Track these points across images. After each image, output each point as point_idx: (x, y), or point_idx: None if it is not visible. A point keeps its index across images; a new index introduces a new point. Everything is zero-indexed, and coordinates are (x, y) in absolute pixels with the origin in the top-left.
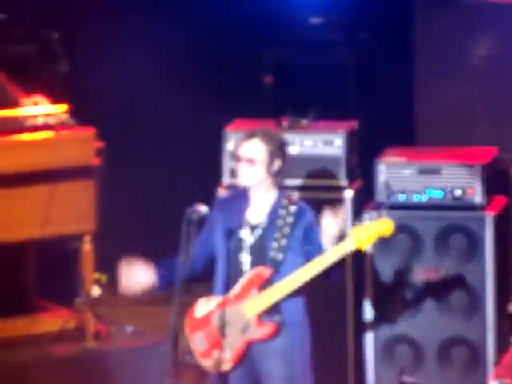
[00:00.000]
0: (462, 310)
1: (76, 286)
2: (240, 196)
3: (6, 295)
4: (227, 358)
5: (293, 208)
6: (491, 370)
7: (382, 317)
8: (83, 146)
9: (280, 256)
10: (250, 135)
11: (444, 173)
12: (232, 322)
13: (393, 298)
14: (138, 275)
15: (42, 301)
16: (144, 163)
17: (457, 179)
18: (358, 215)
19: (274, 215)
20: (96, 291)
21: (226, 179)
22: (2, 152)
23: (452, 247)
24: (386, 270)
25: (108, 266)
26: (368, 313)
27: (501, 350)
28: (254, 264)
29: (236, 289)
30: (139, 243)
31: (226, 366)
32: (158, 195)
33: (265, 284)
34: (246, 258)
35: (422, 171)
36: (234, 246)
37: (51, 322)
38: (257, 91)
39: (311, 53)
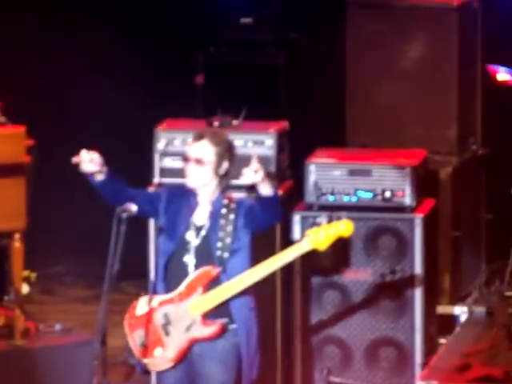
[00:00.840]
0: (390, 310)
1: (5, 284)
2: (186, 196)
3: None
4: (169, 357)
5: (233, 205)
6: (419, 371)
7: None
8: (13, 143)
9: (226, 255)
10: (199, 136)
11: (374, 174)
12: (176, 320)
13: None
14: (95, 159)
15: None
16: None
17: (387, 181)
18: (287, 216)
19: (216, 215)
20: (25, 289)
21: (156, 178)
22: None
23: (381, 248)
24: (317, 269)
25: (37, 263)
26: (297, 313)
27: (429, 352)
28: (198, 265)
29: (181, 288)
30: (71, 241)
31: (167, 365)
32: (89, 193)
33: (211, 284)
34: (190, 260)
35: (352, 172)
36: (179, 248)
37: None
38: (188, 91)
39: (242, 53)
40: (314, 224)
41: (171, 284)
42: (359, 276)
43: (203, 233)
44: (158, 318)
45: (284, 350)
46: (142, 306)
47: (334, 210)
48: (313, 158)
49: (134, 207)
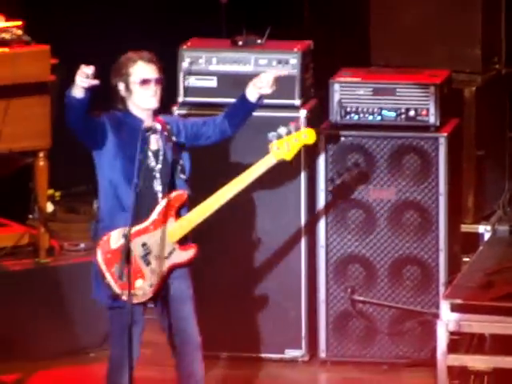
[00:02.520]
0: (414, 229)
1: (30, 202)
2: (128, 123)
3: None
4: (151, 286)
5: (168, 127)
6: (442, 289)
7: (335, 236)
8: (38, 62)
9: (184, 177)
10: (150, 59)
11: (398, 93)
12: (155, 249)
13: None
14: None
15: None
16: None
17: (411, 99)
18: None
19: (163, 138)
20: (49, 207)
21: (180, 97)
22: None
23: (405, 167)
24: (341, 188)
25: (61, 183)
26: (321, 231)
27: (452, 270)
28: (165, 190)
29: (153, 215)
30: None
31: (149, 295)
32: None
33: (182, 207)
34: (158, 187)
35: (376, 91)
36: (145, 176)
37: (4, 237)
38: (213, 10)
39: None
40: (276, 136)
41: (141, 212)
42: (383, 195)
43: (161, 157)
44: (136, 249)
45: (308, 268)
46: (115, 238)
47: (358, 129)
48: (337, 77)
49: (158, 125)
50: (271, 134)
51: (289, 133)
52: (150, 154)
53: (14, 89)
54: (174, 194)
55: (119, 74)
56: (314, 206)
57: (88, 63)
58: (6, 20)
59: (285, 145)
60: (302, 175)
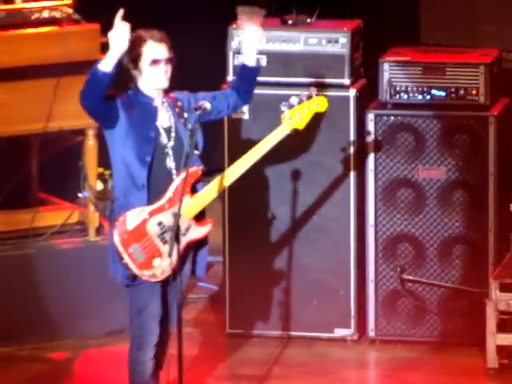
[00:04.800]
0: (463, 209)
1: (80, 181)
2: (138, 102)
3: (9, 189)
4: (170, 264)
5: (179, 103)
6: (492, 269)
7: (384, 215)
8: (88, 40)
9: (197, 152)
10: (160, 37)
11: (448, 72)
12: (172, 226)
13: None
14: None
15: (45, 195)
16: None
17: (460, 79)
18: (361, 114)
19: (174, 116)
20: (99, 186)
21: (229, 76)
22: (7, 45)
23: (455, 146)
24: (390, 168)
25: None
26: (371, 211)
27: (502, 250)
28: (178, 167)
29: (169, 193)
30: None
31: (168, 273)
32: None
33: (197, 183)
34: (171, 164)
35: (426, 70)
36: (158, 153)
37: (54, 215)
38: None
39: None
40: (288, 106)
41: (155, 190)
42: (432, 174)
43: (173, 134)
44: (153, 228)
45: (357, 247)
46: (131, 219)
47: (407, 108)
48: (386, 56)
49: (208, 104)
50: (283, 104)
51: (300, 102)
52: (161, 131)
53: (64, 67)
54: (188, 171)
55: (130, 54)
56: (363, 185)
57: None
58: None
59: (297, 114)
60: (351, 154)
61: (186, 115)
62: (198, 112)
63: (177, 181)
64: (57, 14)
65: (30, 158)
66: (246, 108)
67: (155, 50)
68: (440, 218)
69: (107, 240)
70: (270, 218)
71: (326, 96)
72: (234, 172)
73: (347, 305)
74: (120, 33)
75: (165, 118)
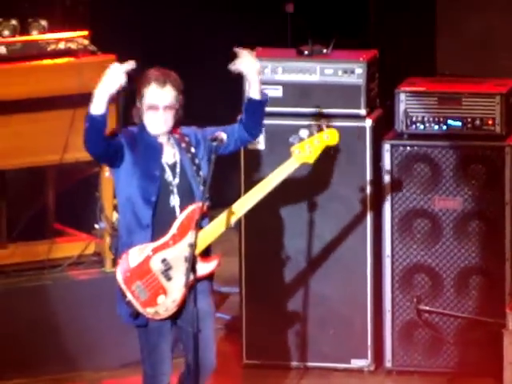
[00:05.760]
0: (480, 239)
1: (96, 212)
2: (144, 138)
3: (26, 220)
4: (175, 301)
5: (186, 139)
6: (509, 299)
7: (401, 246)
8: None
9: (203, 188)
10: (163, 82)
11: (464, 102)
12: (176, 263)
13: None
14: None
15: (61, 226)
16: None
17: (476, 109)
18: (377, 144)
19: (181, 151)
20: (115, 217)
21: None
22: (23, 77)
23: (471, 177)
24: (406, 198)
25: None
26: (387, 241)
27: None
28: (182, 205)
29: (173, 230)
30: None
31: (172, 311)
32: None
33: (202, 219)
34: (175, 201)
35: (442, 100)
36: (162, 192)
37: (71, 247)
38: (278, 19)
39: None
40: (297, 139)
41: (159, 228)
42: (449, 205)
43: (178, 170)
44: (157, 265)
45: (374, 278)
46: (134, 257)
47: (423, 139)
48: (402, 86)
49: (224, 135)
50: (293, 137)
51: (310, 135)
52: (166, 168)
53: (81, 98)
54: (192, 206)
55: (137, 91)
56: (380, 216)
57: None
58: (72, 30)
59: (306, 147)
60: (368, 185)
61: (193, 150)
62: (215, 143)
63: (181, 216)
64: (73, 46)
65: (47, 189)
66: (262, 138)
67: (155, 94)
68: (456, 249)
69: None
70: (287, 248)
71: (336, 128)
72: (242, 206)
73: (364, 335)
74: (113, 74)
75: (170, 155)
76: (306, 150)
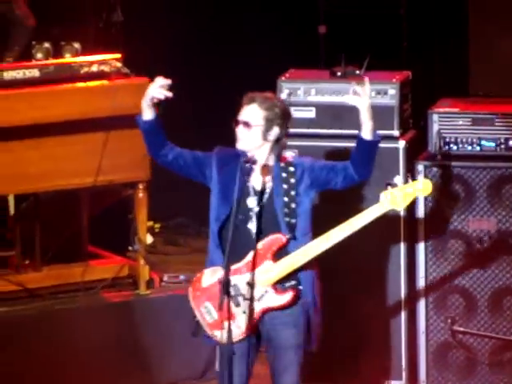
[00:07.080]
0: None
1: (129, 234)
2: (237, 160)
3: (60, 243)
4: (241, 328)
5: (291, 169)
6: None
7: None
8: (137, 94)
9: (293, 221)
10: (251, 100)
11: (497, 123)
12: (244, 290)
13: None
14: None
15: (95, 248)
16: (200, 120)
17: (510, 129)
18: (410, 165)
19: (277, 180)
20: (149, 239)
21: None
22: (57, 100)
23: (505, 197)
24: (440, 219)
25: (161, 214)
26: (421, 262)
27: None
28: (262, 233)
29: (248, 257)
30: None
31: (239, 337)
32: (206, 146)
33: (280, 251)
34: (253, 227)
35: (475, 121)
36: (242, 215)
37: (105, 269)
38: (311, 40)
39: (365, 2)
40: (390, 185)
41: (234, 252)
42: (483, 225)
43: (265, 198)
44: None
45: (408, 300)
46: (207, 277)
47: (457, 159)
48: (436, 107)
49: (256, 157)
50: (387, 182)
51: (405, 182)
52: (252, 192)
53: (114, 121)
54: (273, 236)
55: None
56: (413, 237)
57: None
58: (105, 53)
59: (397, 194)
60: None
61: (292, 181)
62: (248, 165)
63: (258, 246)
64: (106, 68)
65: (80, 211)
66: None
67: (242, 110)
68: (490, 269)
69: (157, 293)
70: (321, 269)
71: (429, 181)
72: (322, 243)
73: (398, 356)
74: (156, 82)
75: (259, 181)
76: (396, 196)
